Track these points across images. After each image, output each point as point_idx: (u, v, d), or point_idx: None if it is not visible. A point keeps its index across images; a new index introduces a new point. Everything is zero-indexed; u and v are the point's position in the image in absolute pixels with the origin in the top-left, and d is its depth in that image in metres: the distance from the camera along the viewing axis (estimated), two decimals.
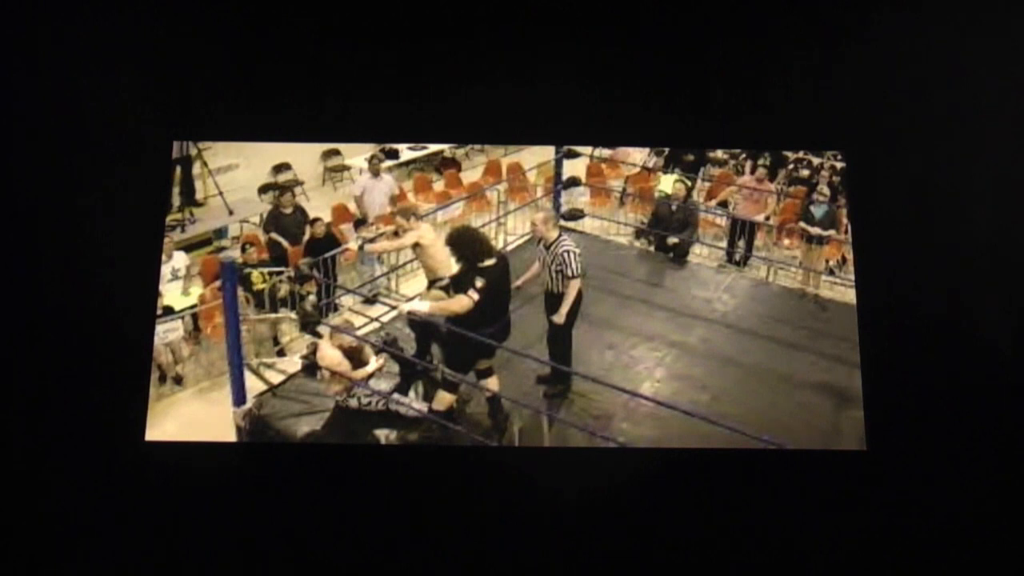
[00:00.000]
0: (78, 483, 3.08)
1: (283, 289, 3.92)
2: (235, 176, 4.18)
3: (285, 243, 4.10)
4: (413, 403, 3.46)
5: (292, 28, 3.48)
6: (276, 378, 3.71)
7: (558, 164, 4.58)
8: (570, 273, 3.53)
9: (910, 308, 3.20)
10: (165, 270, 3.60)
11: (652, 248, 4.72)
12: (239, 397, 3.45)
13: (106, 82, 3.41)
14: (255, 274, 3.89)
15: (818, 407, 3.47)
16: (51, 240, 3.30)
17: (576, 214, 4.57)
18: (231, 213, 4.19)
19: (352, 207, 4.38)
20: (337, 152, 4.57)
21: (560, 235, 3.61)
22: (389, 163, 4.52)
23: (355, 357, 3.50)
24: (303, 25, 3.48)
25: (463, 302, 3.20)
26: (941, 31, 3.35)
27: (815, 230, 4.40)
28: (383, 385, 3.53)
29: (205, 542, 3.04)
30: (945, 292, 3.21)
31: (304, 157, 4.40)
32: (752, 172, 4.72)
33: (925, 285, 3.21)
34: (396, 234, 3.89)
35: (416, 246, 3.83)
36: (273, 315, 3.91)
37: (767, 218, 4.70)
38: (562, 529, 3.08)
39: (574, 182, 4.58)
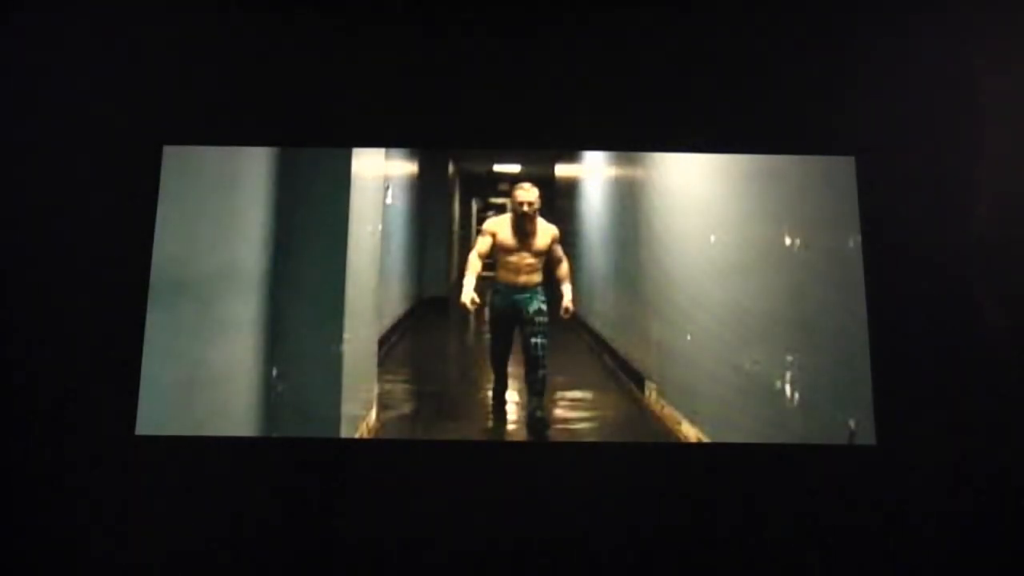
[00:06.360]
0: (67, 477, 3.02)
1: None
2: None
3: None
4: None
5: (286, 32, 3.48)
6: None
7: None
8: None
9: (918, 308, 3.21)
10: None
11: None
12: None
13: (95, 88, 3.39)
14: None
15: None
16: (46, 238, 3.25)
17: None
18: None
19: None
20: None
21: None
22: None
23: None
24: (298, 28, 3.49)
25: None
26: (948, 34, 3.43)
27: None
28: None
29: (198, 537, 2.99)
30: (953, 291, 3.22)
31: None
32: None
33: (933, 284, 3.22)
34: None
35: None
36: None
37: None
38: (562, 528, 3.03)
39: None
